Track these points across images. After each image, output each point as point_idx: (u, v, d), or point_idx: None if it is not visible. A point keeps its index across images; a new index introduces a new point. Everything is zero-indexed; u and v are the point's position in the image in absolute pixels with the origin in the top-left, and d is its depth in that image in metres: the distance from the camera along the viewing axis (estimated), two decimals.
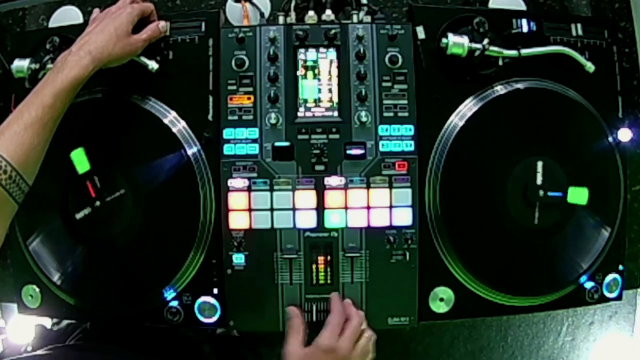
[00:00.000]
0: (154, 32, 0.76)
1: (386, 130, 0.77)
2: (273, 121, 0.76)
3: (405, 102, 0.77)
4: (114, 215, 0.77)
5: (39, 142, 0.65)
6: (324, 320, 0.74)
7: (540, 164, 0.78)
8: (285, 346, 0.72)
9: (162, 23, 0.78)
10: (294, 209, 0.77)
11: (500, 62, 0.77)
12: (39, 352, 0.72)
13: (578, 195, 0.79)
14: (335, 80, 0.77)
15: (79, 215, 0.77)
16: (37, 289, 0.82)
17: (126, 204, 0.77)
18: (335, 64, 0.77)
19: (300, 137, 0.76)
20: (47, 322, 0.93)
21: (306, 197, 0.77)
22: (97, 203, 0.77)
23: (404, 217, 0.77)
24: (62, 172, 0.77)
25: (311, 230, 0.77)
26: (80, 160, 0.77)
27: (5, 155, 0.62)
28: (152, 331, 0.82)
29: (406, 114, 0.77)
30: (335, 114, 0.77)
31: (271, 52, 0.76)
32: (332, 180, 0.77)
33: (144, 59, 0.77)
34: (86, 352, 0.76)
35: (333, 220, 0.77)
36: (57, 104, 0.66)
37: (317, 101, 0.77)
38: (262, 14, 0.83)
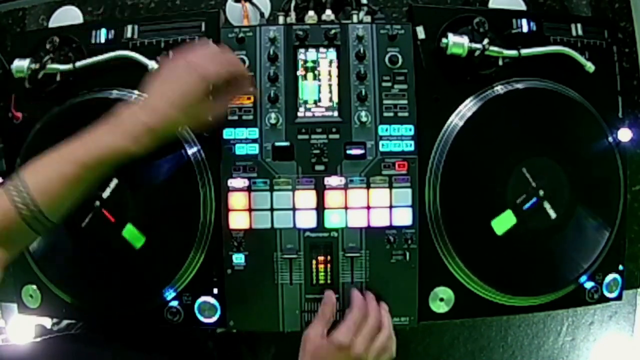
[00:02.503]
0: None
1: (386, 130, 0.77)
2: (273, 121, 0.76)
3: (405, 102, 0.77)
4: (114, 215, 0.77)
5: (73, 195, 0.62)
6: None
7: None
8: (308, 329, 0.71)
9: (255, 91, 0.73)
10: (294, 209, 0.77)
11: (500, 62, 0.78)
12: (36, 340, 0.72)
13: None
14: (335, 80, 0.77)
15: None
16: (37, 289, 0.82)
17: (126, 203, 0.77)
18: (335, 64, 0.77)
19: (300, 137, 0.76)
20: (47, 322, 0.93)
21: (306, 197, 0.76)
22: (97, 203, 0.77)
23: (404, 217, 0.77)
24: None
25: (311, 230, 0.77)
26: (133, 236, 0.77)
27: (34, 195, 0.59)
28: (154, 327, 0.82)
29: (406, 114, 0.77)
30: (335, 114, 0.77)
31: (271, 52, 0.76)
32: (332, 180, 0.77)
33: (144, 59, 0.77)
34: (80, 343, 0.76)
35: (333, 220, 0.77)
36: (97, 169, 0.61)
37: (317, 101, 0.77)
38: (262, 14, 0.83)
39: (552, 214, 0.78)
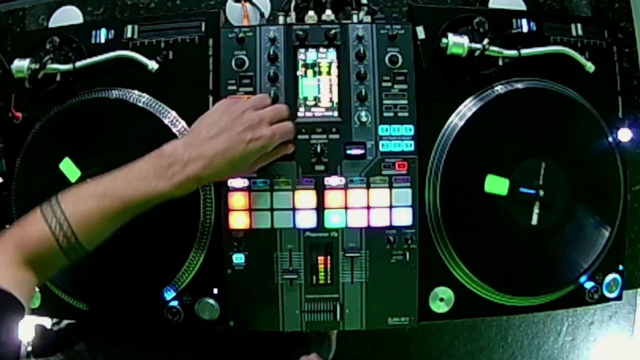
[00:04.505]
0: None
1: (386, 130, 0.77)
2: None
3: (405, 102, 0.77)
4: None
5: (112, 228, 0.65)
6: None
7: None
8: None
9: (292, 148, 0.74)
10: (294, 209, 0.77)
11: (500, 62, 0.77)
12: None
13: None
14: (335, 80, 0.77)
15: None
16: (37, 289, 0.82)
17: None
18: (335, 64, 0.77)
19: (300, 137, 0.76)
20: (47, 322, 0.93)
21: (306, 197, 0.76)
22: None
23: (404, 217, 0.77)
24: (63, 172, 0.77)
25: (311, 230, 0.77)
26: (70, 169, 0.77)
27: (74, 226, 0.62)
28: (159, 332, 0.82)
29: (406, 114, 0.77)
30: (335, 114, 0.77)
31: (271, 52, 0.76)
32: (332, 180, 0.77)
33: (144, 59, 0.77)
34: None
35: (333, 220, 0.77)
36: (141, 208, 0.64)
37: (317, 101, 0.77)
38: (262, 14, 0.83)
39: (535, 220, 0.78)
